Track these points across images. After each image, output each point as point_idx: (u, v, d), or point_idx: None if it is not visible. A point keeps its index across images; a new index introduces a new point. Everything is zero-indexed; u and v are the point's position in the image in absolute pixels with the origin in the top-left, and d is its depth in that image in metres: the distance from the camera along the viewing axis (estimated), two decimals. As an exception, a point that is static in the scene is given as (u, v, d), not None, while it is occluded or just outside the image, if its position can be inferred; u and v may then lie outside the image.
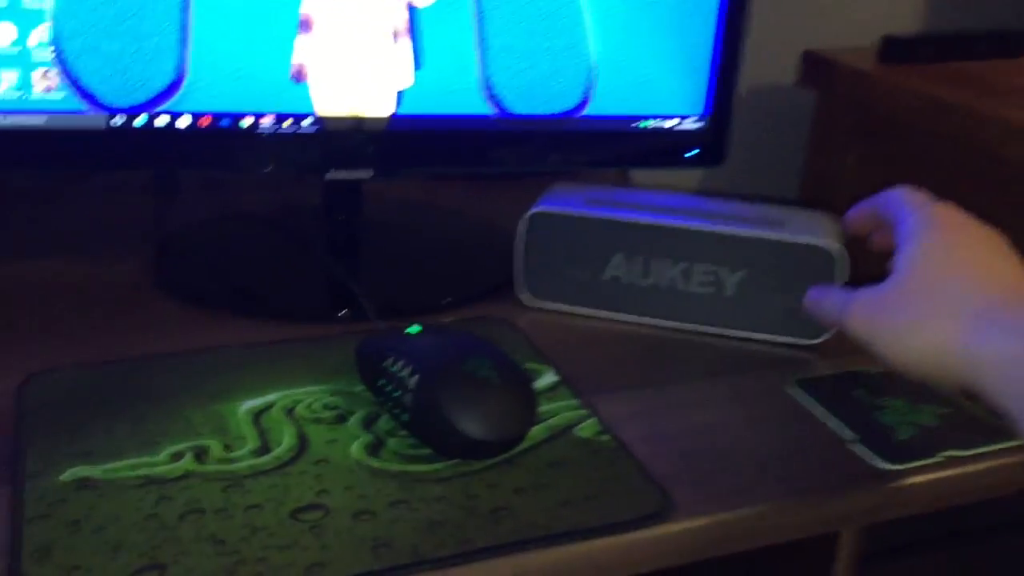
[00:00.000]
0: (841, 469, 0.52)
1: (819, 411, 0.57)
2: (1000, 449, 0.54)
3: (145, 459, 0.48)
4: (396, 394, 0.51)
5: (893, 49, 1.08)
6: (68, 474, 0.47)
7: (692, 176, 1.23)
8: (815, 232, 0.63)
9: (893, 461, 0.52)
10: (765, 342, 0.64)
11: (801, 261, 0.63)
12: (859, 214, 0.56)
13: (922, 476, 0.52)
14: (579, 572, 0.45)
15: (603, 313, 0.67)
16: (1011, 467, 0.53)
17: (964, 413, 0.57)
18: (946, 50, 1.10)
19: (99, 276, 0.69)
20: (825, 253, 0.62)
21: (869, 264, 0.64)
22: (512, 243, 0.67)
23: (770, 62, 1.16)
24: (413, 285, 0.71)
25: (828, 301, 0.51)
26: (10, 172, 0.79)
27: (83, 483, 0.46)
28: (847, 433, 0.55)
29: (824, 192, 1.13)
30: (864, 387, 0.59)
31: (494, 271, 0.71)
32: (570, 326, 0.66)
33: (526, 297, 0.67)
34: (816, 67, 1.11)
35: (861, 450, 0.53)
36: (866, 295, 0.48)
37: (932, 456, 0.53)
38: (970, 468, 0.53)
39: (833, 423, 0.56)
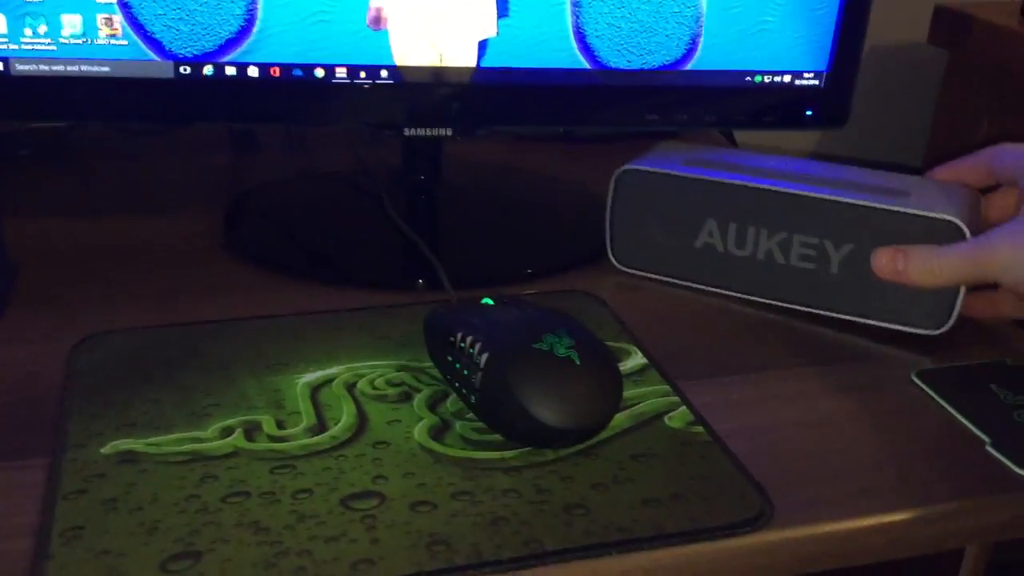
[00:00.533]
0: (972, 476, 0.45)
1: (945, 408, 0.50)
2: None
3: (192, 434, 0.45)
4: (465, 373, 0.46)
5: (1039, 3, 0.97)
6: (110, 447, 0.43)
7: (807, 141, 1.14)
8: (942, 204, 0.55)
9: (1035, 470, 0.45)
10: (876, 329, 0.57)
11: (923, 237, 0.55)
12: (966, 170, 0.58)
13: (1072, 488, 0.44)
14: (661, 583, 0.40)
15: (695, 284, 0.61)
16: None
17: (1122, 417, 0.49)
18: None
19: (170, 235, 0.66)
20: (952, 227, 0.54)
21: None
22: (601, 211, 0.61)
23: (896, 17, 1.06)
24: (494, 253, 0.66)
25: (920, 255, 0.52)
26: (75, 121, 0.77)
27: (125, 456, 0.43)
28: (979, 434, 0.47)
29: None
30: (999, 381, 0.52)
31: (583, 240, 0.65)
32: (660, 298, 0.60)
33: (614, 261, 0.62)
34: (949, 23, 1.01)
35: (995, 454, 0.46)
36: (1006, 229, 0.50)
37: (1083, 466, 0.45)
38: None
39: (962, 422, 0.48)
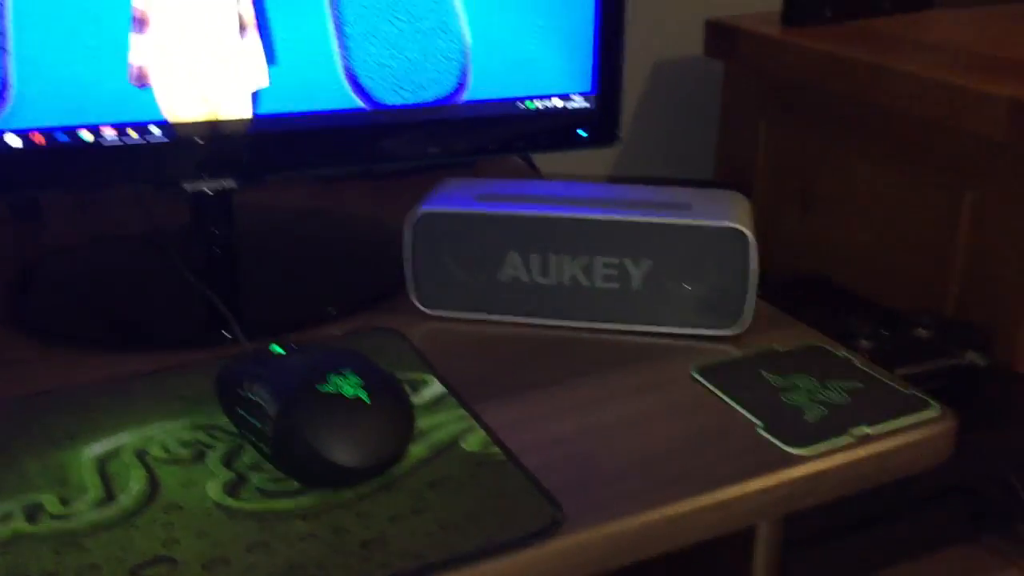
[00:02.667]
0: (747, 460, 0.48)
1: (722, 399, 0.53)
2: (911, 423, 0.50)
3: (-32, 524, 0.43)
4: (256, 424, 0.46)
5: (796, 11, 1.05)
6: None
7: (605, 159, 1.19)
8: (723, 214, 0.59)
9: (802, 444, 0.49)
10: (677, 335, 0.60)
11: (710, 245, 0.58)
12: None
13: (833, 460, 0.48)
14: (462, 604, 0.41)
15: (503, 318, 0.62)
16: (924, 442, 0.50)
17: (874, 384, 0.54)
18: (850, 8, 1.07)
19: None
20: (736, 235, 0.58)
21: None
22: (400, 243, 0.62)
23: (678, 35, 1.13)
24: (297, 298, 0.66)
25: None
26: None
27: None
28: (752, 419, 0.51)
29: (739, 162, 1.11)
30: (768, 367, 0.56)
31: (386, 277, 0.66)
32: (466, 332, 0.61)
33: (418, 305, 0.63)
34: (720, 36, 1.08)
35: (768, 437, 0.50)
36: None
37: (842, 435, 0.49)
38: (883, 446, 0.49)
39: (739, 410, 0.52)
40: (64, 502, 0.44)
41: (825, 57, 0.95)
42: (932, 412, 0.51)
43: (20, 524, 0.43)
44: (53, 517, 0.43)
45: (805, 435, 0.49)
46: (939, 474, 0.67)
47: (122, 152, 0.60)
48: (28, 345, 0.59)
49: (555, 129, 0.69)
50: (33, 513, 0.43)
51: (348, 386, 0.45)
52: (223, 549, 0.41)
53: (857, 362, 0.56)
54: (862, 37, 0.99)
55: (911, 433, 0.50)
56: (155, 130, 0.60)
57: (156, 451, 0.48)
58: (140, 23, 0.57)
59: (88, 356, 0.57)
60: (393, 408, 0.47)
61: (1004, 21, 1.05)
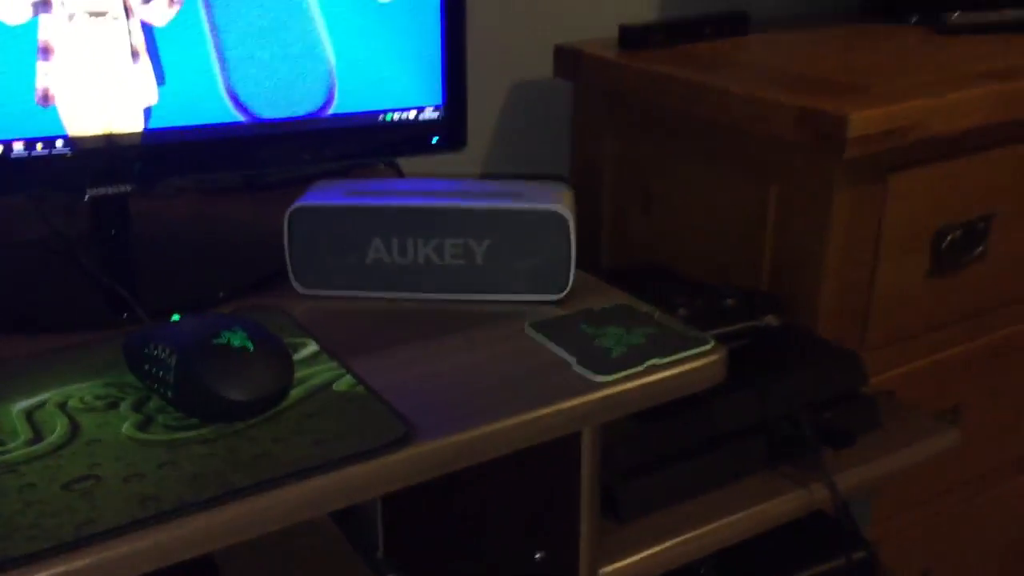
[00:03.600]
0: (564, 386, 0.61)
1: (548, 345, 0.66)
2: (693, 354, 0.64)
3: (-82, 461, 0.51)
4: (160, 374, 0.56)
5: (630, 37, 1.20)
6: None
7: (472, 168, 1.31)
8: (548, 199, 0.72)
9: (606, 373, 0.61)
10: (515, 302, 0.73)
11: (536, 226, 0.71)
12: None
13: (631, 382, 0.61)
14: (335, 498, 0.52)
15: (370, 294, 0.73)
16: (701, 368, 0.64)
17: (667, 331, 0.67)
18: (677, 34, 1.23)
19: None
20: (557, 217, 0.71)
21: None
22: (281, 242, 0.72)
23: (531, 58, 1.27)
24: (189, 286, 0.76)
25: None
26: None
27: None
28: (569, 358, 0.63)
29: (590, 169, 1.24)
30: (588, 321, 0.69)
31: (265, 265, 0.76)
32: (339, 307, 0.72)
33: (297, 287, 0.73)
34: (567, 59, 1.22)
35: (581, 370, 0.62)
36: None
37: (638, 366, 0.62)
38: (668, 372, 0.63)
39: (559, 352, 0.64)
40: (0, 443, 0.53)
41: (655, 76, 1.09)
42: (707, 346, 0.65)
43: (-36, 459, 0.52)
44: (-8, 453, 0.52)
45: (609, 366, 0.62)
46: (741, 415, 0.82)
47: (30, 163, 0.69)
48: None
49: (411, 137, 0.81)
50: (-26, 451, 0.53)
51: (236, 339, 0.56)
52: (138, 467, 0.51)
53: (656, 316, 0.70)
54: (686, 59, 1.14)
55: (690, 362, 0.63)
56: (59, 143, 0.69)
57: (75, 403, 0.58)
58: (45, 52, 0.67)
59: (2, 342, 0.66)
60: (274, 354, 0.57)
61: (808, 44, 1.22)
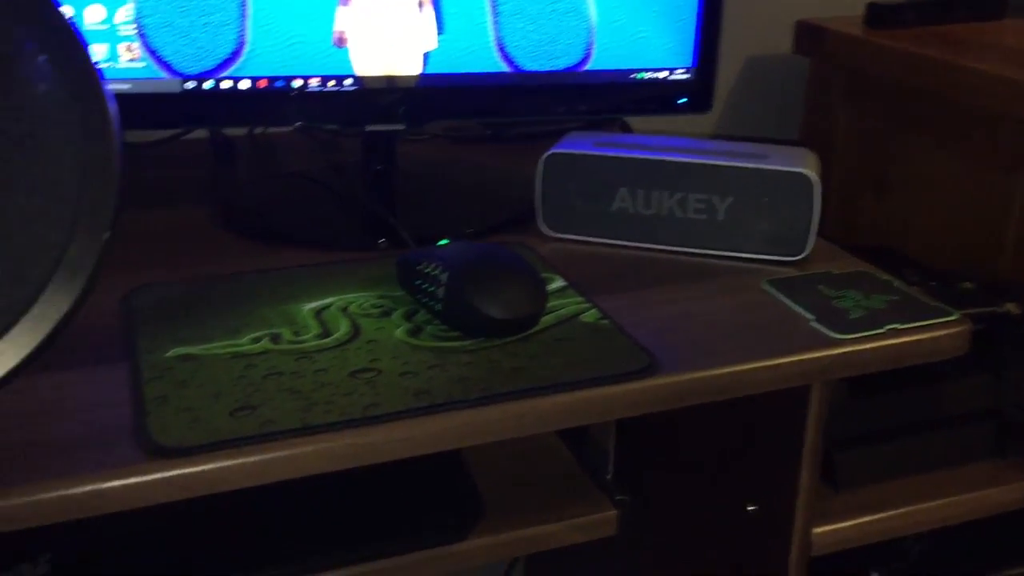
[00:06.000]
0: (801, 340, 0.63)
1: (785, 301, 0.68)
2: (935, 323, 0.64)
3: (231, 341, 0.60)
4: (430, 289, 0.63)
5: (878, 16, 1.18)
6: (172, 352, 0.59)
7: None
8: (794, 162, 0.73)
9: (844, 332, 0.63)
10: (752, 259, 0.75)
11: (781, 187, 0.73)
12: None
13: (869, 344, 0.62)
14: (582, 414, 0.57)
15: (611, 241, 0.77)
16: (943, 338, 0.64)
17: (909, 299, 0.67)
18: (927, 14, 1.19)
19: (179, 222, 0.81)
20: (804, 179, 0.72)
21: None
22: (527, 188, 0.77)
23: (767, 34, 1.27)
24: (441, 220, 0.82)
25: None
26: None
27: (185, 358, 0.58)
28: (806, 315, 0.65)
29: (821, 152, 1.23)
30: (825, 284, 0.70)
31: (513, 208, 0.82)
32: (583, 251, 0.76)
33: (544, 229, 0.78)
34: (809, 35, 1.21)
35: (818, 327, 0.64)
36: None
37: (878, 328, 0.63)
38: (909, 338, 0.63)
39: (797, 309, 0.66)
40: (295, 334, 0.61)
41: (906, 55, 1.07)
42: (951, 317, 0.65)
43: (268, 344, 0.60)
44: (290, 342, 0.60)
45: (848, 326, 0.63)
46: (973, 398, 0.81)
47: (321, 97, 0.77)
48: (240, 242, 0.77)
49: (659, 96, 0.84)
50: (276, 338, 0.61)
51: (500, 264, 0.61)
52: (411, 366, 0.58)
53: (896, 284, 0.70)
54: (937, 40, 1.11)
55: (932, 331, 0.64)
56: (348, 82, 0.77)
57: (354, 308, 0.65)
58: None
59: (286, 252, 0.75)
60: (532, 281, 0.62)
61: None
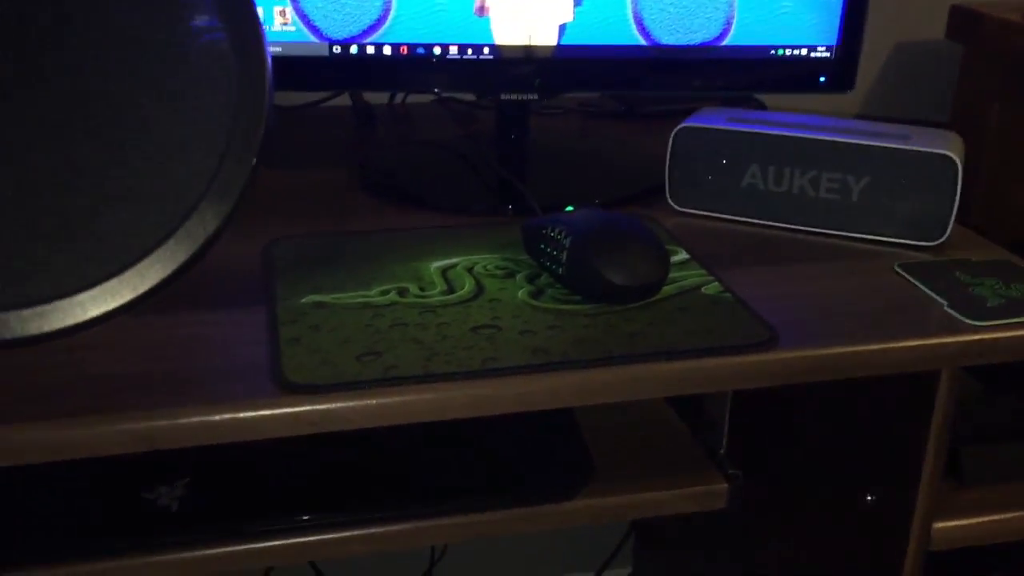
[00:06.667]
0: (932, 324, 0.61)
1: (919, 286, 0.66)
2: (1081, 315, 0.61)
3: (361, 292, 0.63)
4: (554, 253, 0.64)
5: (1040, 0, 1.12)
6: (307, 299, 0.62)
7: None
8: (939, 144, 0.71)
9: (981, 319, 0.61)
10: (887, 243, 0.73)
11: (922, 168, 0.70)
12: None
13: (1007, 332, 0.60)
14: (699, 382, 0.57)
15: (739, 218, 0.77)
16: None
17: (1053, 290, 0.64)
18: (1095, 0, 1.12)
19: (322, 182, 0.85)
20: (947, 160, 0.70)
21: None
22: (658, 163, 0.77)
23: (919, 18, 1.22)
24: (570, 189, 0.83)
25: None
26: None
27: (318, 305, 0.61)
28: (940, 300, 0.63)
29: (972, 141, 1.18)
30: (962, 270, 0.67)
31: (641, 182, 0.82)
32: (710, 226, 0.76)
33: (672, 203, 0.78)
34: (963, 20, 1.16)
35: (953, 312, 0.62)
36: None
37: (1016, 317, 0.61)
38: (1051, 329, 0.60)
39: (930, 294, 0.64)
40: (422, 289, 0.63)
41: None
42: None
43: (395, 297, 0.62)
44: (416, 296, 0.62)
45: (984, 314, 0.61)
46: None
47: (461, 65, 0.79)
48: (374, 203, 0.80)
49: (799, 75, 0.82)
50: (402, 292, 0.63)
51: (624, 231, 0.62)
52: (530, 326, 0.59)
53: (1041, 274, 0.67)
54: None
55: (1078, 324, 0.61)
56: (486, 50, 0.79)
57: (479, 268, 0.67)
58: (487, -33, 0.76)
59: (419, 214, 0.77)
60: (655, 250, 0.63)
61: None
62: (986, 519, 0.72)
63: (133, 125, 0.55)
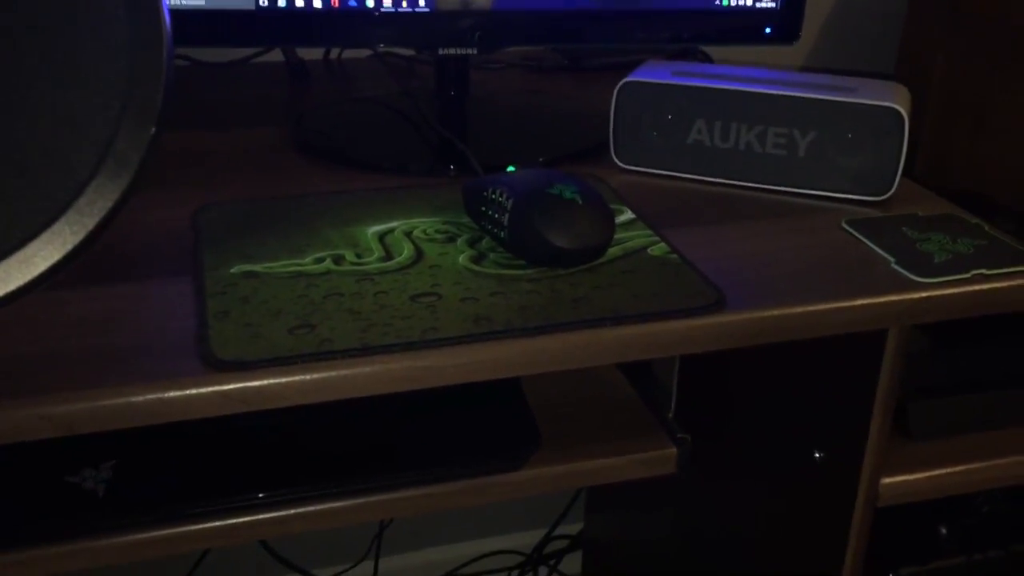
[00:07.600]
0: (879, 282, 0.60)
1: (866, 242, 0.65)
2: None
3: (295, 260, 0.60)
4: (495, 216, 0.61)
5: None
6: (236, 268, 0.59)
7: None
8: (885, 96, 0.69)
9: (928, 276, 0.60)
10: (834, 198, 0.72)
11: (869, 122, 0.69)
12: None
13: (952, 288, 0.59)
14: (645, 347, 0.55)
15: (685, 175, 0.75)
16: (1034, 283, 0.60)
17: (999, 244, 0.64)
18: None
19: (252, 142, 0.81)
20: (894, 113, 0.68)
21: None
22: (602, 119, 0.75)
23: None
24: (512, 148, 0.81)
25: None
26: (182, 47, 0.91)
27: (248, 274, 0.58)
28: (887, 257, 0.62)
29: (916, 90, 1.17)
30: (909, 225, 0.66)
31: (585, 139, 0.80)
32: (655, 184, 0.74)
33: (617, 160, 0.76)
34: (908, -32, 1.15)
35: (899, 269, 0.61)
36: None
37: (963, 273, 0.60)
38: (995, 284, 0.60)
39: (877, 250, 0.63)
40: (358, 256, 0.61)
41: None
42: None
43: (330, 265, 0.60)
44: (352, 264, 0.60)
45: (931, 270, 0.60)
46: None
47: (395, 19, 0.75)
48: (308, 164, 0.76)
49: (745, 26, 0.80)
50: (338, 259, 0.60)
51: (568, 192, 0.60)
52: (472, 292, 0.57)
53: (986, 227, 0.66)
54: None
55: (1021, 278, 0.60)
56: (422, 2, 0.75)
57: (419, 233, 0.64)
58: (421, -86, 0.73)
59: (353, 175, 0.74)
60: (600, 211, 0.61)
61: None
62: (933, 473, 0.72)
63: (15, 92, 0.50)
